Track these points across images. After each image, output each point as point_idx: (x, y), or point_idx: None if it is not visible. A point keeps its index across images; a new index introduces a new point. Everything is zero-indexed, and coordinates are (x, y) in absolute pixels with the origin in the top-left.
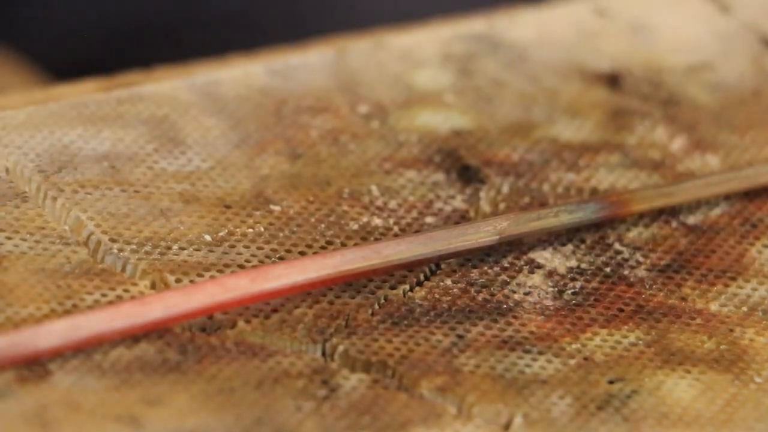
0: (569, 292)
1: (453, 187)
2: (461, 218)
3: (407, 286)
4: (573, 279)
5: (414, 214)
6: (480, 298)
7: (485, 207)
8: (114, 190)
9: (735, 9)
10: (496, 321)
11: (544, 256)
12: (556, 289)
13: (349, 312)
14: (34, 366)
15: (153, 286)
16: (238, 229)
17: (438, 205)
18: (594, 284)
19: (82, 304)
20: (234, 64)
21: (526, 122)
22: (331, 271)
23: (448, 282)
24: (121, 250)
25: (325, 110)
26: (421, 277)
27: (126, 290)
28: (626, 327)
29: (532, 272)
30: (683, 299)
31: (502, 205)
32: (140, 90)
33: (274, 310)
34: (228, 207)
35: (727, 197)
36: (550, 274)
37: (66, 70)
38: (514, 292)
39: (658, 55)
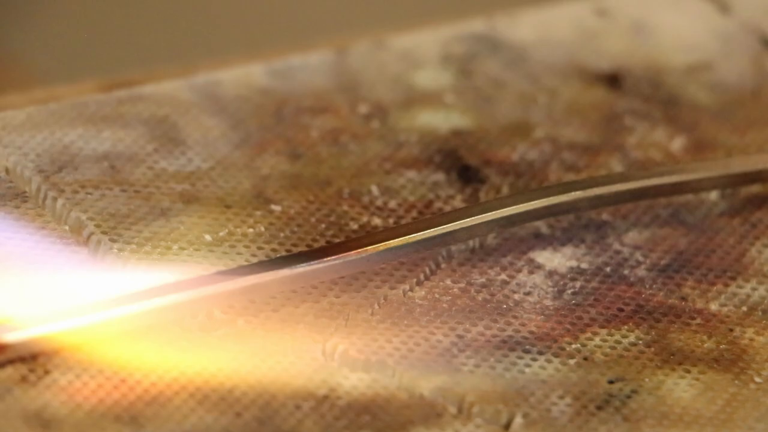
0: (569, 292)
1: (453, 187)
2: None
3: (407, 286)
4: (573, 279)
5: (414, 214)
6: (480, 298)
7: None
8: (114, 190)
9: (735, 9)
10: (496, 321)
11: (544, 256)
12: (556, 289)
13: (349, 312)
14: (34, 365)
15: None
16: (238, 229)
17: (438, 205)
18: (594, 284)
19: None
20: (234, 64)
21: (526, 122)
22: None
23: (448, 282)
24: (121, 250)
25: (325, 110)
26: (421, 276)
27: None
28: (626, 327)
29: (532, 272)
30: (683, 299)
31: None
32: (140, 90)
33: (274, 310)
34: (228, 207)
35: (727, 196)
36: (550, 274)
37: (66, 70)
38: (514, 292)
39: (658, 55)
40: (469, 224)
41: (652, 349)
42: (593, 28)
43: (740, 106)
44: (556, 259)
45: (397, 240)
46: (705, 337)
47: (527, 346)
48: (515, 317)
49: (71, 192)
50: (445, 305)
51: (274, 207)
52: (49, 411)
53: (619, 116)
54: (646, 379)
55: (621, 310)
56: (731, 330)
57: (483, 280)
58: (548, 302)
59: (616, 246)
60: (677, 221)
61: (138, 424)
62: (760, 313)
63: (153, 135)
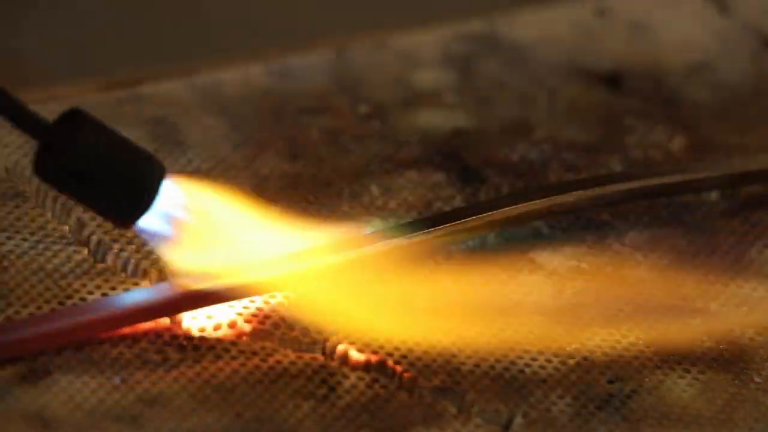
0: (569, 292)
1: (453, 187)
2: None
3: (407, 286)
4: (573, 279)
5: (414, 214)
6: (480, 298)
7: None
8: None
9: (735, 9)
10: (495, 321)
11: (544, 256)
12: (556, 289)
13: (351, 311)
14: (33, 365)
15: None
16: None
17: (438, 205)
18: (594, 284)
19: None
20: (234, 64)
21: (526, 122)
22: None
23: (448, 282)
24: (121, 249)
25: (325, 110)
26: (421, 276)
27: (127, 290)
28: (626, 327)
29: (532, 272)
30: (683, 299)
31: None
32: (140, 90)
33: (274, 310)
34: None
35: (727, 196)
36: (550, 274)
37: (66, 70)
38: (514, 292)
39: (658, 55)
40: (469, 224)
41: (652, 348)
42: (593, 28)
43: (740, 106)
44: (556, 259)
45: (395, 240)
46: (705, 337)
47: (527, 346)
48: (515, 317)
49: None
50: (445, 305)
51: (274, 207)
52: (49, 411)
53: (619, 116)
54: (646, 379)
55: (621, 310)
56: (731, 330)
57: (483, 280)
58: (548, 302)
59: (616, 246)
60: (677, 221)
61: (138, 424)
62: (760, 313)
63: (153, 135)
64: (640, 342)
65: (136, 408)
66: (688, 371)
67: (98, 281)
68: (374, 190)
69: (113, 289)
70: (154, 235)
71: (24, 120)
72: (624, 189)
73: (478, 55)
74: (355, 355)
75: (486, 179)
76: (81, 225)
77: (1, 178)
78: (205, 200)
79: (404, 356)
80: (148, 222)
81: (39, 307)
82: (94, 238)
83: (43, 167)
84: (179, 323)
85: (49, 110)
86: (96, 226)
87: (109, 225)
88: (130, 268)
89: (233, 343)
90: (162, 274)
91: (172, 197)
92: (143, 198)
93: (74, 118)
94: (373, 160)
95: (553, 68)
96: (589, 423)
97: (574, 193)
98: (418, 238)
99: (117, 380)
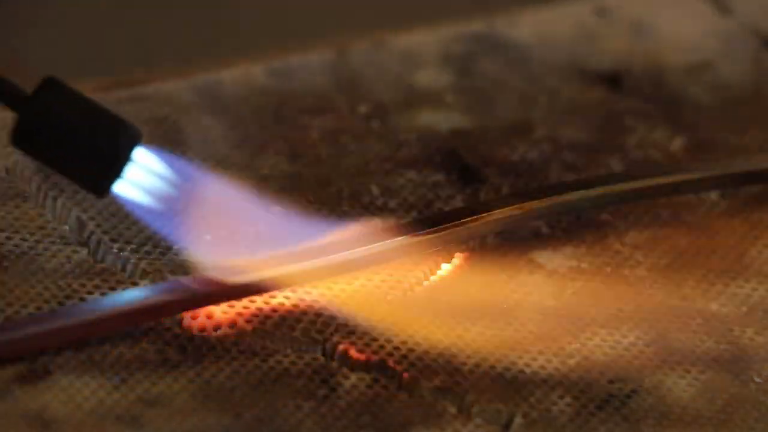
0: (569, 292)
1: (453, 187)
2: None
3: (407, 286)
4: (573, 279)
5: (414, 214)
6: (480, 298)
7: None
8: None
9: (735, 9)
10: (496, 321)
11: (544, 256)
12: (556, 289)
13: (350, 311)
14: (33, 365)
15: None
16: (239, 229)
17: (438, 205)
18: (594, 284)
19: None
20: (234, 64)
21: (526, 122)
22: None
23: (449, 281)
24: (121, 249)
25: (325, 110)
26: (422, 276)
27: (126, 290)
28: (626, 326)
29: (532, 272)
30: (683, 299)
31: None
32: (140, 90)
33: (274, 310)
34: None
35: (727, 196)
36: (550, 274)
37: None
38: (514, 292)
39: (659, 55)
40: (471, 224)
41: (652, 348)
42: (593, 28)
43: (740, 106)
44: (556, 259)
45: (397, 239)
46: (705, 337)
47: (527, 346)
48: (515, 317)
49: (72, 192)
50: (445, 305)
51: (274, 207)
52: (49, 411)
53: (619, 116)
54: (646, 379)
55: (621, 309)
56: (731, 330)
57: (483, 280)
58: (548, 302)
59: (616, 246)
60: (677, 221)
61: (139, 425)
62: (760, 313)
63: (153, 135)
64: (640, 342)
65: (136, 408)
66: (688, 371)
67: (98, 281)
68: (374, 190)
69: (113, 289)
70: (135, 205)
71: (2, 90)
72: (624, 189)
73: (478, 55)
74: (356, 355)
75: (486, 179)
76: (81, 225)
77: (1, 178)
78: (192, 175)
79: (404, 356)
80: (125, 191)
81: (39, 307)
82: (94, 238)
83: (19, 136)
84: (180, 323)
85: None
86: (96, 226)
87: (109, 225)
88: (129, 268)
89: (234, 343)
90: (162, 274)
91: (150, 165)
92: (112, 163)
93: (50, 87)
94: (373, 160)
95: (553, 68)
96: (589, 423)
97: (574, 193)
98: (422, 237)
99: (117, 380)
